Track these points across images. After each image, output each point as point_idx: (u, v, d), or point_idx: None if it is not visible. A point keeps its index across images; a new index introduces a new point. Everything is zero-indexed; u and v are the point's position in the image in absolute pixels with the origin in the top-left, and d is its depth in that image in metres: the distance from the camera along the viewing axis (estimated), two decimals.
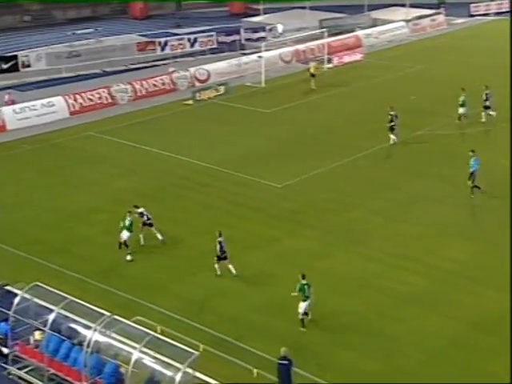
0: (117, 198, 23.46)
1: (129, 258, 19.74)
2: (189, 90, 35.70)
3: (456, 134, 28.74)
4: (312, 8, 49.53)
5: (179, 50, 42.35)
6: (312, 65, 36.87)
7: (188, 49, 42.75)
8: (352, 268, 19.25)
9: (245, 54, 41.66)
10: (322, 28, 43.55)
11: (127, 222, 19.89)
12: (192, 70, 37.46)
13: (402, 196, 23.48)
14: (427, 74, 37.85)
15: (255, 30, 45.25)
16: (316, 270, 18.64)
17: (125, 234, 19.85)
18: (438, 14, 50.48)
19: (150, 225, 20.51)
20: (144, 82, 35.27)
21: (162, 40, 42.14)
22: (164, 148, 27.68)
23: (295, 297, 16.62)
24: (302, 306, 16.54)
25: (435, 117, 30.78)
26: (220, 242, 18.77)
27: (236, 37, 44.20)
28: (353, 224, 21.65)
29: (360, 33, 45.71)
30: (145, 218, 20.44)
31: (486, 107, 29.42)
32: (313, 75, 36.05)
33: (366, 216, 22.14)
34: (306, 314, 16.64)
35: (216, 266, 18.81)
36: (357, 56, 41.54)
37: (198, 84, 37.00)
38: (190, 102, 34.23)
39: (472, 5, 53.56)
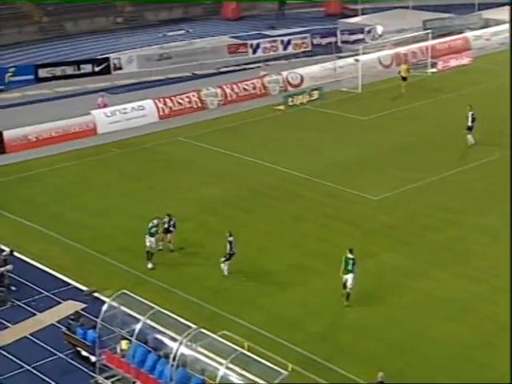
0: (205, 207, 24.14)
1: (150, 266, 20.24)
2: (281, 94, 36.10)
3: None
4: (415, 7, 48.67)
5: (272, 53, 42.89)
6: (402, 67, 36.31)
7: (281, 51, 43.20)
8: (454, 290, 18.83)
9: (341, 58, 41.50)
10: (426, 29, 42.75)
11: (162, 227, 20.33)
12: (284, 73, 37.86)
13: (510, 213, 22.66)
14: None
15: (352, 32, 45.09)
16: (414, 291, 18.37)
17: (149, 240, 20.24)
18: None
19: (168, 231, 20.93)
20: (234, 86, 36.00)
21: (254, 42, 42.88)
22: (254, 155, 28.18)
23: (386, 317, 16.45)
24: (348, 280, 17.94)
25: None
26: (230, 242, 19.40)
27: (332, 39, 44.22)
28: (455, 242, 21.17)
29: (469, 34, 44.46)
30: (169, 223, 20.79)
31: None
32: (404, 78, 35.52)
33: (470, 234, 21.60)
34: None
35: (222, 265, 19.47)
36: (464, 60, 40.46)
37: (290, 88, 37.33)
38: (282, 107, 34.63)
39: None
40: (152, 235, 20.52)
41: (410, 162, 27.07)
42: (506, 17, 47.07)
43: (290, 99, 34.88)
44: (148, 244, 20.49)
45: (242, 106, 34.79)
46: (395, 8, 51.66)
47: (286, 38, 43.64)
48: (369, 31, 45.15)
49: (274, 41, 43.37)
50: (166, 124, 32.75)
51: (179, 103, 34.28)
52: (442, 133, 30.19)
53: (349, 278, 18.14)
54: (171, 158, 28.75)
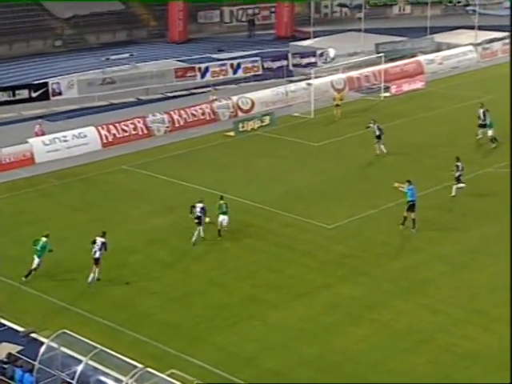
0: (153, 238, 24.21)
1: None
2: (231, 120, 36.62)
3: None
4: (367, 31, 50.10)
5: (221, 77, 43.51)
6: (336, 95, 37.29)
7: (230, 75, 43.89)
8: (412, 320, 19.33)
9: (292, 82, 42.48)
10: (379, 53, 44.22)
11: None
12: (234, 98, 38.44)
13: (470, 240, 23.55)
14: (498, 105, 37.81)
15: (304, 55, 46.21)
16: (371, 322, 18.79)
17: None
18: None
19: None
20: (182, 112, 36.33)
21: (203, 66, 43.42)
22: (203, 184, 28.43)
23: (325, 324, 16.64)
24: (225, 220, 23.59)
25: (506, 152, 30.76)
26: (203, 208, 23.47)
27: (283, 62, 45.17)
28: (413, 271, 21.77)
29: (422, 58, 46.16)
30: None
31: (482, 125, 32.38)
32: (337, 105, 36.57)
33: (429, 262, 22.25)
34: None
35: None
36: (417, 84, 41.93)
37: (240, 114, 37.91)
38: (232, 133, 35.10)
39: None
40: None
41: (364, 189, 27.82)
42: (458, 40, 49.24)
43: (240, 125, 35.40)
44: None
45: (191, 133, 35.12)
46: (347, 31, 53.27)
47: (235, 62, 44.36)
48: (321, 54, 46.36)
49: (224, 64, 44.04)
50: (110, 152, 32.75)
51: (124, 130, 34.37)
52: (397, 158, 31.15)
53: (225, 218, 23.67)
54: (116, 187, 28.75)
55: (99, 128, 33.86)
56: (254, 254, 23.07)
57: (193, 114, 36.51)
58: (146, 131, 34.95)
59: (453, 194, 26.86)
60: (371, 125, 31.85)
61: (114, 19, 54.26)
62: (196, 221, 23.67)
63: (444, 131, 34.42)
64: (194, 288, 21.12)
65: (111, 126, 34.16)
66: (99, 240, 21.56)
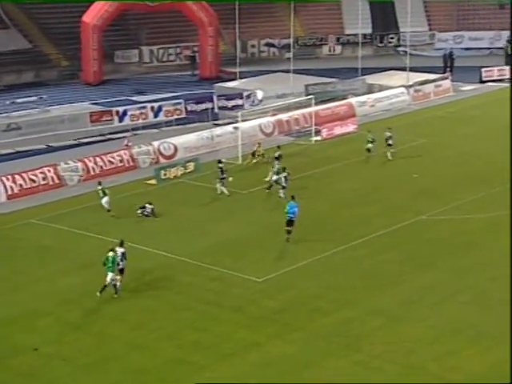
0: (64, 299, 23.98)
1: None
2: (152, 167, 36.92)
3: (465, 219, 30.10)
4: (297, 71, 51.86)
5: (140, 121, 43.93)
6: (256, 148, 37.34)
7: (151, 119, 44.38)
8: (347, 379, 19.76)
9: (218, 125, 43.37)
10: (309, 94, 45.78)
11: None
12: (156, 144, 38.82)
13: (405, 292, 24.37)
14: (431, 149, 39.70)
15: (230, 97, 47.18)
16: (304, 382, 19.09)
17: None
18: (444, 79, 52.93)
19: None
20: (98, 159, 36.37)
21: (120, 109, 43.77)
22: (122, 236, 28.38)
23: None
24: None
25: (441, 199, 32.23)
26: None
27: (208, 105, 46.03)
28: (347, 326, 22.34)
29: (353, 100, 47.98)
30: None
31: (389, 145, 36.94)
32: (253, 154, 37.14)
33: (364, 316, 22.88)
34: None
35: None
36: (349, 127, 43.51)
37: (162, 160, 38.28)
38: (153, 181, 35.36)
39: (484, 69, 56.08)
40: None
41: (294, 240, 28.47)
42: (390, 82, 51.54)
43: (162, 172, 35.72)
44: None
45: (108, 182, 35.10)
46: (276, 71, 54.91)
47: (156, 104, 44.91)
48: (248, 96, 47.50)
49: (143, 107, 44.52)
50: (16, 205, 32.40)
51: (32, 180, 34.09)
52: (329, 207, 32.09)
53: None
54: (22, 244, 28.39)
55: (3, 178, 33.46)
56: (177, 312, 23.16)
57: (110, 162, 36.61)
58: (57, 181, 34.78)
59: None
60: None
61: (20, 59, 54.03)
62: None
63: (377, 176, 35.78)
64: (110, 352, 20.99)
65: (17, 176, 33.82)
66: (119, 250, 24.23)
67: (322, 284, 24.96)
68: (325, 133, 42.25)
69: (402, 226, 29.40)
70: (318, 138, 41.77)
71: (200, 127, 42.45)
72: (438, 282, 24.90)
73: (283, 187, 32.42)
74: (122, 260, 24.22)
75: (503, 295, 23.48)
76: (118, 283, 23.97)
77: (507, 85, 54.35)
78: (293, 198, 28.48)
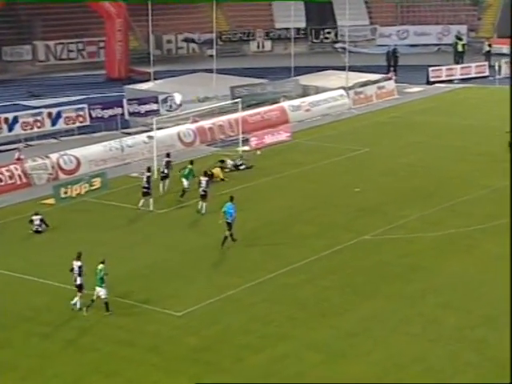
0: None
1: None
2: (49, 184, 36.55)
3: (413, 238, 30.88)
4: (220, 71, 52.15)
5: (35, 130, 43.43)
6: (216, 171, 37.31)
7: (48, 127, 43.90)
8: None
9: (129, 134, 43.26)
10: (235, 98, 46.16)
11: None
12: (54, 156, 38.42)
13: (347, 323, 24.75)
14: (374, 159, 40.58)
15: (143, 101, 47.15)
16: None
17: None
18: (388, 79, 53.99)
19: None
20: None
21: (10, 116, 43.09)
22: (12, 268, 28.06)
23: None
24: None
25: (386, 216, 32.98)
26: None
27: (116, 110, 45.89)
28: (281, 364, 22.54)
29: (286, 104, 48.60)
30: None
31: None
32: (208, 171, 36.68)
33: (299, 352, 23.12)
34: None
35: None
36: (282, 135, 44.05)
37: (62, 176, 37.93)
38: (52, 201, 34.97)
39: (431, 68, 57.63)
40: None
41: (220, 266, 28.64)
42: (327, 83, 52.38)
43: (62, 190, 35.36)
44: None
45: None
46: (196, 71, 55.13)
47: (54, 110, 44.47)
48: (164, 100, 47.57)
49: (38, 113, 44.01)
50: None
51: None
52: (259, 226, 32.38)
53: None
54: None
55: None
56: (82, 354, 22.91)
57: None
58: None
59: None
60: None
61: None
62: None
63: (315, 192, 36.30)
64: None
65: None
66: (75, 264, 25.25)
67: (253, 316, 25.14)
68: (254, 142, 42.69)
69: (343, 247, 29.93)
70: (246, 147, 42.08)
71: (107, 136, 42.31)
72: (383, 311, 25.43)
73: (202, 196, 33.18)
74: (79, 275, 25.30)
75: (456, 323, 24.20)
76: (79, 300, 25.15)
77: (457, 86, 56.34)
78: (231, 199, 30.30)
